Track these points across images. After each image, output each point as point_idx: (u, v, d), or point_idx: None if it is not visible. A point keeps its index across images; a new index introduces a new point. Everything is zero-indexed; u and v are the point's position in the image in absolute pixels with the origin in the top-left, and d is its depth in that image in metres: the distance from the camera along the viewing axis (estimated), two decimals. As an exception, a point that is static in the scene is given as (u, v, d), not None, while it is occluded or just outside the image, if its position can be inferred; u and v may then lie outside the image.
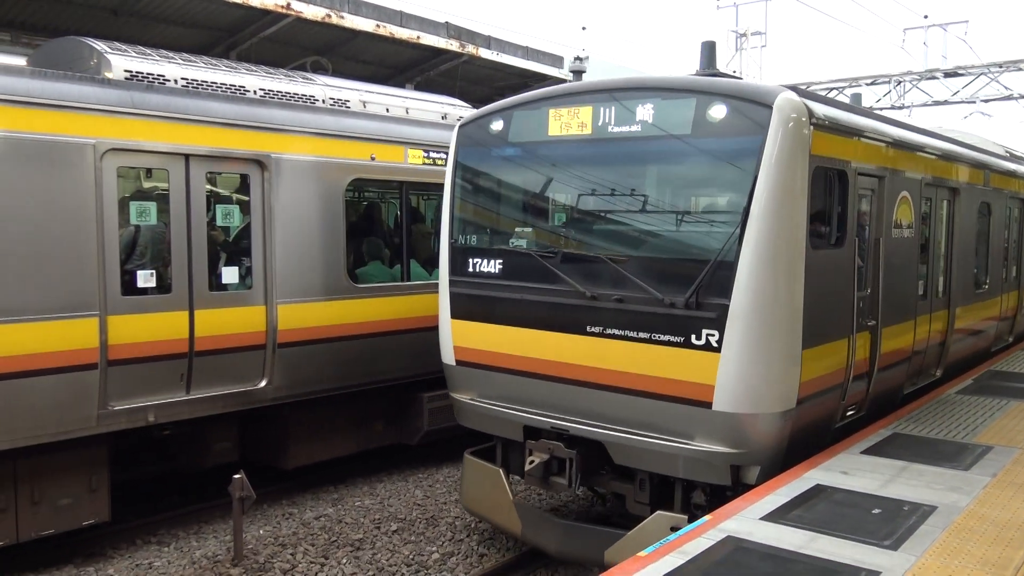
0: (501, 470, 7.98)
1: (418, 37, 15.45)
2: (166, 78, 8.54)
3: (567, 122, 7.20)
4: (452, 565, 8.19)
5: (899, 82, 26.60)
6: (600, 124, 6.99)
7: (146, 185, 8.78)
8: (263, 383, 8.83)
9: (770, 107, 6.14)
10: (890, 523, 5.35)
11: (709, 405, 6.29)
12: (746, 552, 4.90)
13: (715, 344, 6.21)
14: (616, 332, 6.78)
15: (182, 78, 8.66)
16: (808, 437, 6.83)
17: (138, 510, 9.25)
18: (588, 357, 6.96)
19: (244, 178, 8.80)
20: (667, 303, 6.42)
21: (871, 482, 6.19)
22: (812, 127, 6.35)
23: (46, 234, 7.17)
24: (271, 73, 9.80)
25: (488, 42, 16.73)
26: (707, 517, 5.47)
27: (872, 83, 27.08)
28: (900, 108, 26.37)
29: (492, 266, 7.71)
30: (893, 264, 8.07)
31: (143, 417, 7.97)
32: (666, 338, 6.48)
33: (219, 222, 8.72)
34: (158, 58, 8.75)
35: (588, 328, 6.94)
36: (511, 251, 7.63)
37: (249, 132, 8.65)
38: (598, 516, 8.65)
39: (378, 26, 14.69)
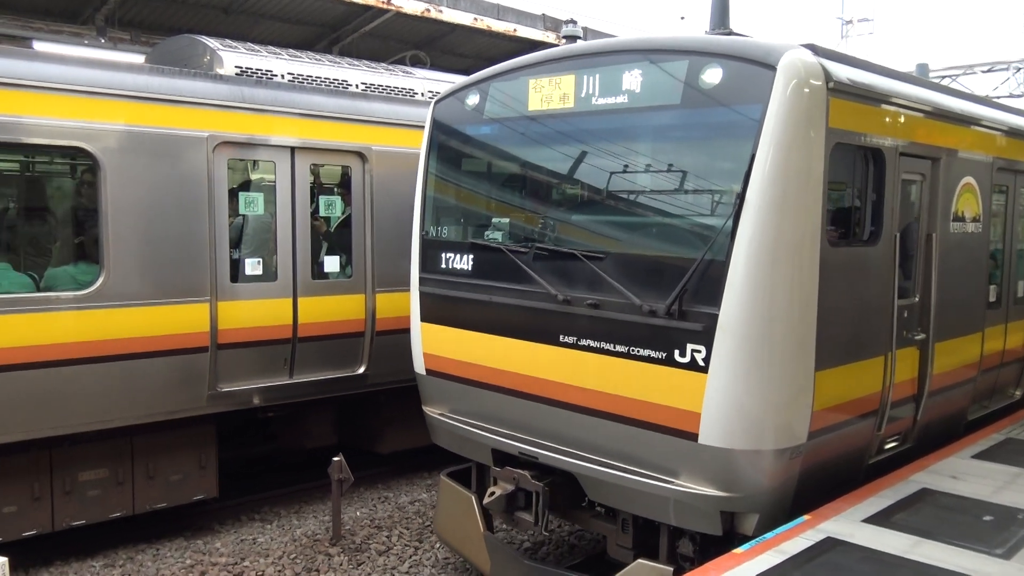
0: (474, 497, 7.06)
1: (515, 30, 15.54)
2: (273, 73, 8.84)
3: (548, 94, 6.23)
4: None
5: (1019, 68, 25.16)
6: (583, 95, 5.99)
7: (254, 177, 9.13)
8: (361, 369, 9.07)
9: (773, 68, 5.01)
10: (1003, 531, 5.11)
11: (695, 437, 5.23)
12: (846, 554, 4.76)
13: (701, 363, 5.15)
14: (591, 343, 5.78)
15: (288, 73, 8.96)
16: (827, 476, 5.78)
17: (241, 488, 9.66)
18: (561, 372, 5.99)
19: (345, 170, 9.05)
20: (646, 310, 5.41)
21: (982, 488, 5.92)
22: (831, 94, 5.21)
23: (163, 223, 7.54)
24: (372, 67, 10.02)
25: (585, 33, 16.66)
26: (806, 517, 5.34)
27: (989, 70, 25.71)
28: (1020, 96, 24.96)
29: (462, 262, 6.82)
30: (951, 265, 6.83)
31: (249, 399, 8.31)
32: (645, 353, 5.45)
33: (322, 213, 9.00)
34: (266, 54, 9.07)
35: (561, 338, 5.97)
36: (481, 246, 6.75)
37: (352, 125, 8.88)
38: (597, 555, 7.65)
39: (476, 19, 14.85)
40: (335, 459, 8.13)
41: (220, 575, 7.57)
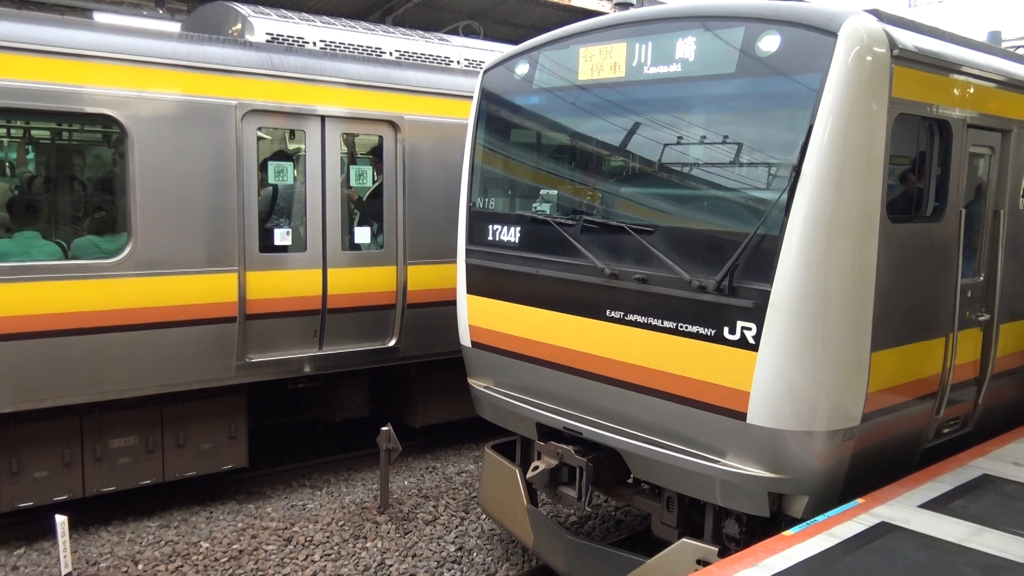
0: (518, 470, 7.02)
1: (570, -1, 15.14)
2: (305, 40, 8.65)
3: (598, 63, 6.03)
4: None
5: (1095, 35, 23.97)
6: (635, 64, 5.79)
7: (283, 146, 8.96)
8: (392, 342, 8.90)
9: (834, 35, 4.78)
10: (1070, 520, 4.75)
11: (743, 417, 5.07)
12: (901, 540, 4.47)
13: (751, 340, 4.97)
14: (638, 319, 5.64)
15: (320, 40, 8.75)
16: (881, 460, 5.53)
17: (292, 455, 9.70)
18: (607, 347, 5.88)
19: (377, 139, 8.83)
20: (695, 286, 5.24)
21: (1049, 474, 5.54)
22: (895, 62, 4.93)
23: (190, 192, 7.42)
24: (407, 34, 9.78)
25: (642, 3, 16.18)
26: (859, 500, 5.03)
27: (1065, 37, 24.52)
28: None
29: (509, 234, 6.72)
30: (1020, 243, 6.49)
31: (278, 370, 8.20)
32: (694, 329, 5.29)
33: (352, 183, 8.82)
34: (298, 20, 8.87)
35: (608, 312, 5.84)
36: (528, 218, 6.62)
37: (383, 93, 8.66)
38: (641, 532, 7.63)
39: (531, -12, 14.49)
40: (384, 429, 8.05)
41: (270, 539, 7.62)
